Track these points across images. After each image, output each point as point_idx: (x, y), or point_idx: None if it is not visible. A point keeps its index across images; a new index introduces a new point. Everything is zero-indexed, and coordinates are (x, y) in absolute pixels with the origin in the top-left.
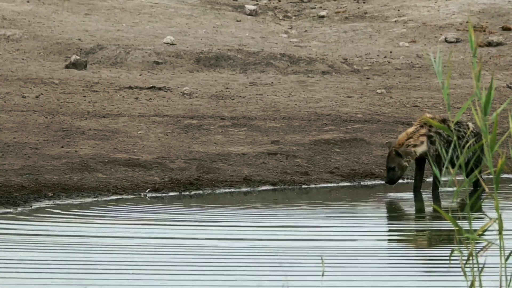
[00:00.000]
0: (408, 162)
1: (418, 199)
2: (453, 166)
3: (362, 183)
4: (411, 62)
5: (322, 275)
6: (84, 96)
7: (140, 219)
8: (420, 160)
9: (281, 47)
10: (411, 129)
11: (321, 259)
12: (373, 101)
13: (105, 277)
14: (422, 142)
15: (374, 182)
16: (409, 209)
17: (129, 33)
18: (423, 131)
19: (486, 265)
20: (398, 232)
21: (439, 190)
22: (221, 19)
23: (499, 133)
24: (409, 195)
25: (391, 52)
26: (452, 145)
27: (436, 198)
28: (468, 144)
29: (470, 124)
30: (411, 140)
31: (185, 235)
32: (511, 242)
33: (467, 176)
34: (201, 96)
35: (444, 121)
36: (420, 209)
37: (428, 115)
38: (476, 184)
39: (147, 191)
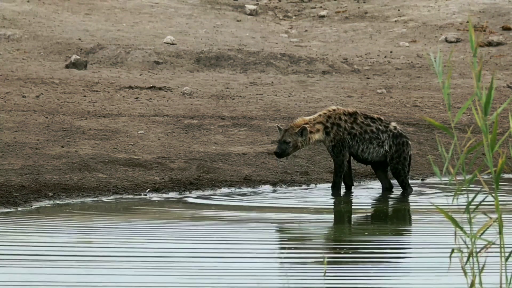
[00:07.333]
0: (302, 144)
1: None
2: (357, 158)
3: (362, 183)
4: (411, 62)
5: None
6: (84, 96)
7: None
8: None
9: (281, 47)
10: (308, 118)
11: (324, 259)
12: (373, 101)
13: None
14: (318, 130)
15: (374, 182)
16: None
17: (129, 33)
18: (320, 120)
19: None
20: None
21: (339, 190)
22: (221, 19)
23: (499, 133)
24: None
25: (391, 52)
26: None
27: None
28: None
29: (393, 124)
30: (307, 125)
31: None
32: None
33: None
34: (201, 96)
35: (355, 113)
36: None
37: (333, 107)
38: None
39: (147, 190)
